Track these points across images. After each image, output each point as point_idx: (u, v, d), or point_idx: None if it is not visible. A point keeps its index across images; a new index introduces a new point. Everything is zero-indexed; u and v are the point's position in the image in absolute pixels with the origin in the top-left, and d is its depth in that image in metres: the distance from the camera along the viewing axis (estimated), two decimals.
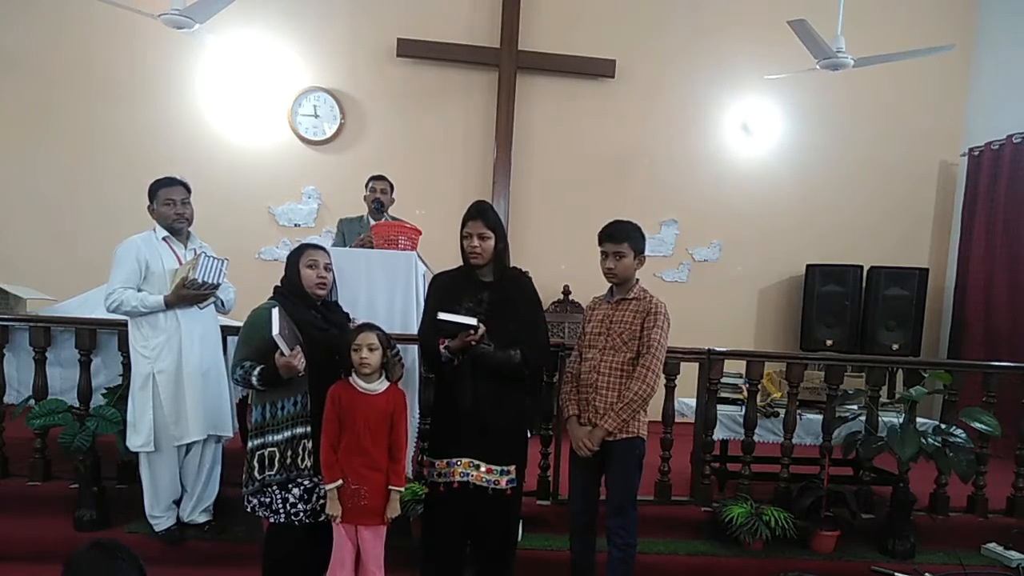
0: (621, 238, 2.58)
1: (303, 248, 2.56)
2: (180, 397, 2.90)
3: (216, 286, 2.92)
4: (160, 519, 3.01)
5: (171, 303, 2.86)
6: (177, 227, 2.98)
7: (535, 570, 2.95)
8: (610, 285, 2.69)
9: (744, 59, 5.77)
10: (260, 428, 2.40)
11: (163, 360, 2.89)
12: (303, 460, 2.39)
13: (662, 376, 2.57)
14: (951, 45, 4.55)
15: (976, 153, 5.65)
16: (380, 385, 2.41)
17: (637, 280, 2.66)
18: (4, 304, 3.88)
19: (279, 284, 2.56)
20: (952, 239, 5.97)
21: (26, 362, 3.42)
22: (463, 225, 2.56)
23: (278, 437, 2.38)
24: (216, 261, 2.89)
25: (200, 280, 2.83)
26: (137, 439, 2.94)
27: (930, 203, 6.08)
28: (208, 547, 3.06)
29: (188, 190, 3.02)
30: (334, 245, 4.25)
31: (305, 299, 2.50)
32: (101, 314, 3.10)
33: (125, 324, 3.03)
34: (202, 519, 3.10)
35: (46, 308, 3.91)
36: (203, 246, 3.09)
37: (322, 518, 2.41)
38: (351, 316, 2.70)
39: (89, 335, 3.32)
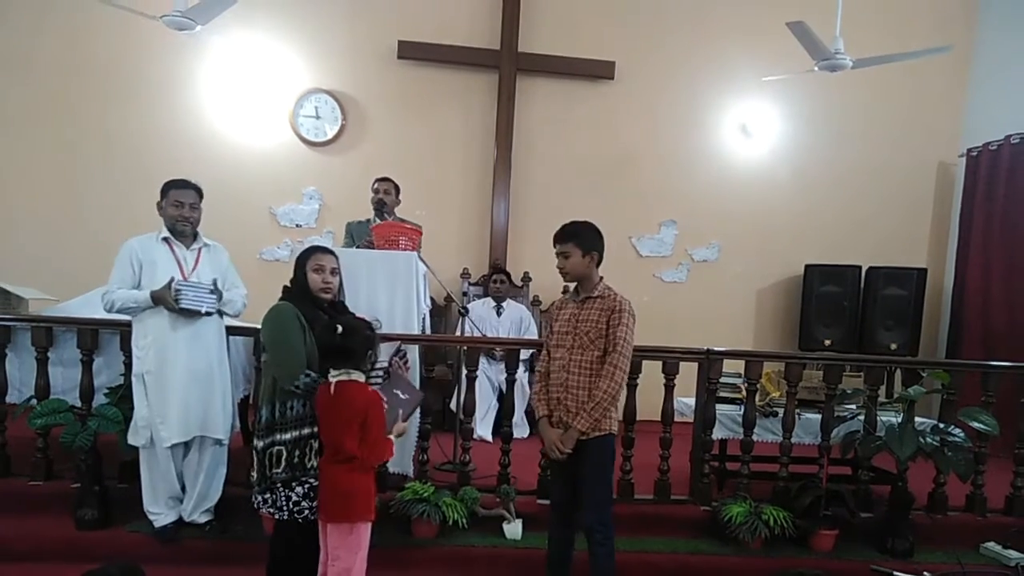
0: (564, 238, 2.64)
1: (311, 251, 2.58)
2: (165, 398, 2.92)
3: (198, 312, 2.91)
4: (158, 515, 3.03)
5: (155, 297, 2.86)
6: (180, 229, 3.00)
7: (535, 570, 2.96)
8: (575, 284, 2.73)
9: (743, 61, 5.79)
10: (270, 427, 2.42)
11: (149, 361, 2.92)
12: (309, 460, 2.41)
13: (627, 373, 2.61)
14: (949, 46, 4.56)
15: (974, 153, 5.67)
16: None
17: (601, 278, 2.69)
18: (6, 304, 3.89)
19: (288, 285, 2.59)
20: (950, 239, 5.98)
21: (28, 362, 3.43)
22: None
23: (286, 436, 2.40)
24: (206, 296, 2.91)
25: (177, 290, 2.84)
26: (134, 436, 2.99)
27: (928, 203, 6.10)
28: (208, 546, 3.07)
29: (200, 195, 3.05)
30: (344, 247, 4.28)
31: (313, 300, 2.53)
32: (103, 314, 3.10)
33: (127, 324, 3.05)
34: (203, 519, 3.11)
35: (48, 308, 3.92)
36: (208, 244, 3.11)
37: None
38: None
39: (91, 335, 3.34)
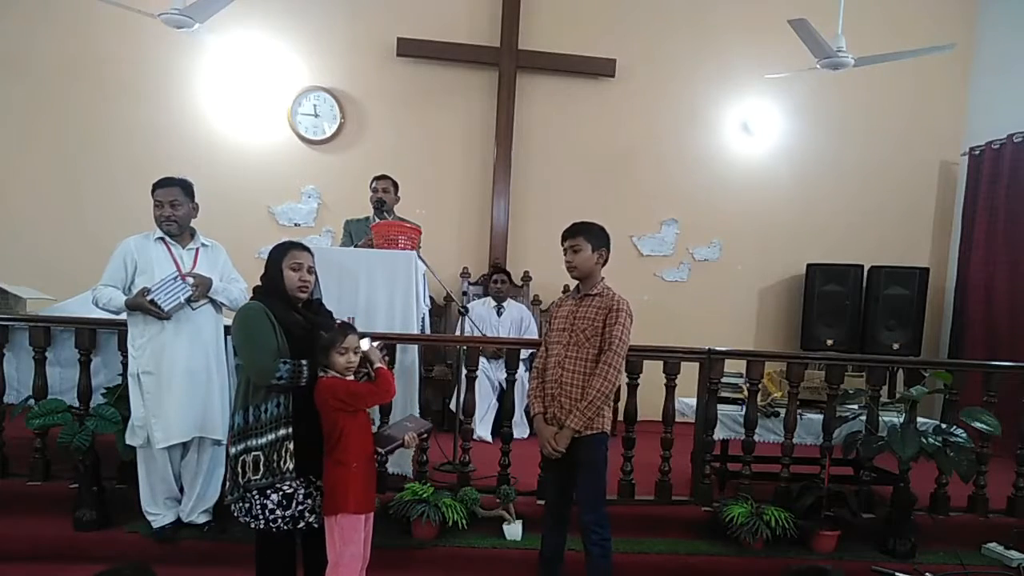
0: (575, 233, 2.67)
1: (287, 248, 2.46)
2: (162, 398, 2.90)
3: (180, 305, 2.86)
4: (156, 516, 3.02)
5: (131, 305, 2.84)
6: (165, 229, 2.95)
7: (535, 570, 2.95)
8: (576, 283, 2.75)
9: (744, 58, 5.77)
10: (243, 433, 2.33)
11: (145, 360, 2.90)
12: (285, 462, 2.31)
13: (623, 372, 2.63)
14: (951, 45, 4.54)
15: (976, 152, 5.65)
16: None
17: (602, 278, 2.72)
18: (4, 304, 3.88)
19: (259, 284, 2.49)
20: (953, 238, 5.97)
21: (26, 362, 3.43)
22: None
23: (261, 441, 2.31)
24: (177, 285, 2.85)
25: (153, 300, 2.80)
26: (132, 436, 2.98)
27: (931, 202, 6.08)
28: (208, 547, 3.06)
29: (185, 190, 2.97)
30: (342, 245, 4.27)
31: (287, 299, 2.43)
32: (100, 314, 3.09)
33: (125, 324, 3.03)
34: (202, 520, 3.10)
35: (46, 308, 3.91)
36: (206, 244, 3.08)
37: (301, 524, 2.38)
38: (335, 316, 2.65)
39: (89, 335, 3.33)
